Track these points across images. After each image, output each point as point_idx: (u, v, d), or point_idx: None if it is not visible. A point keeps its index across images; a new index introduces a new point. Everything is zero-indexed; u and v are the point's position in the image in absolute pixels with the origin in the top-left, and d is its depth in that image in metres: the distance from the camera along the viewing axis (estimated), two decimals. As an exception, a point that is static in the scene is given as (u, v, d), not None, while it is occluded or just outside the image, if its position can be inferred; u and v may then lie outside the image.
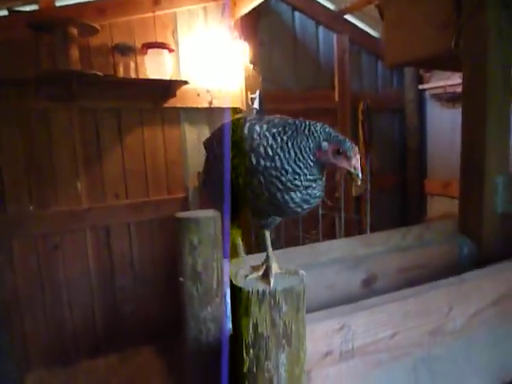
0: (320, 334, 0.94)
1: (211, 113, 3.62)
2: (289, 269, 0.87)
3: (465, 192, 1.85)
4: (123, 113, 3.19)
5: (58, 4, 2.97)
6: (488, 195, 1.76)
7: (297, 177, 0.79)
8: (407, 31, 2.03)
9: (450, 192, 4.36)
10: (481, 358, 1.18)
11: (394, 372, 1.07)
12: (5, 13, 2.89)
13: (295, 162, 0.79)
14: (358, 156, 0.81)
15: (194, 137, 3.61)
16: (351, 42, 4.30)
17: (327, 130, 0.82)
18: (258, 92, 3.65)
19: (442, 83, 4.27)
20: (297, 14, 4.06)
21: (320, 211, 3.42)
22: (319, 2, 4.10)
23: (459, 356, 1.16)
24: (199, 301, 1.21)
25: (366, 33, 4.49)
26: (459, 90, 3.97)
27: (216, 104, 3.60)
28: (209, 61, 3.51)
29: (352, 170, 0.81)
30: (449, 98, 4.30)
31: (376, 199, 4.51)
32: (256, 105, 3.63)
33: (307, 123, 0.82)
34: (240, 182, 0.82)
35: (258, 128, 0.83)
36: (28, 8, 2.95)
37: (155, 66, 3.16)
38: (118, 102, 3.13)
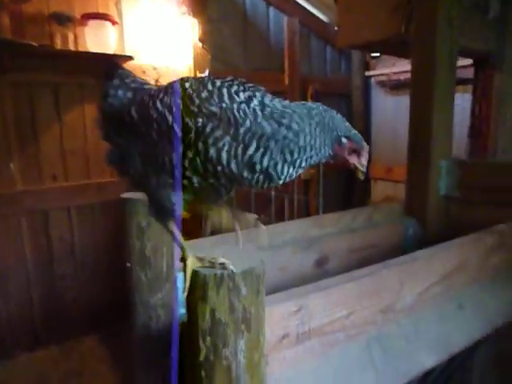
0: (277, 317, 0.92)
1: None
2: (215, 261, 0.81)
3: (411, 175, 1.91)
4: (61, 88, 2.95)
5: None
6: (432, 178, 1.84)
7: (309, 159, 0.81)
8: (359, 14, 2.03)
9: (392, 176, 4.56)
10: (429, 333, 1.23)
11: (349, 351, 1.07)
12: None
13: (318, 149, 0.80)
14: (367, 155, 0.86)
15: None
16: (301, 24, 4.28)
17: (347, 125, 0.85)
18: (207, 71, 3.53)
19: (387, 70, 4.40)
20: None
21: (273, 193, 3.42)
22: (267, -20, 4.02)
23: (409, 332, 1.19)
24: (148, 286, 1.14)
25: (316, 17, 4.49)
26: (403, 77, 4.11)
27: (163, 82, 3.42)
28: (155, 36, 3.33)
29: (360, 168, 0.87)
30: (393, 86, 4.44)
31: (323, 182, 4.60)
32: (205, 84, 3.51)
33: (332, 115, 0.83)
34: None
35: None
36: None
37: (97, 39, 2.94)
38: (56, 76, 2.88)
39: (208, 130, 0.75)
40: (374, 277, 1.10)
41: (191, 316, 0.72)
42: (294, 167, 0.80)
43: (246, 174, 0.78)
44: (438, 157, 1.81)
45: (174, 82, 0.82)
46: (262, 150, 0.77)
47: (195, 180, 0.79)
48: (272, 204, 3.62)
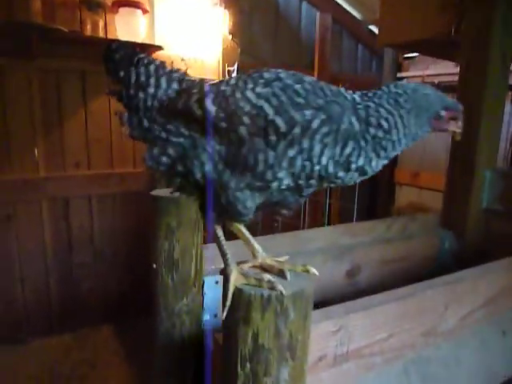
0: (315, 337, 0.84)
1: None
2: (295, 265, 0.75)
3: (451, 185, 1.80)
4: (89, 75, 2.91)
5: None
6: (475, 190, 1.72)
7: (405, 146, 0.77)
8: (404, 11, 1.92)
9: (418, 182, 4.41)
10: (470, 361, 1.14)
11: (385, 376, 0.99)
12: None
13: (414, 133, 0.77)
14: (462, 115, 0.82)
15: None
16: (333, 21, 4.15)
17: (440, 95, 0.80)
18: (236, 65, 3.45)
19: (420, 73, 4.24)
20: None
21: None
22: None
23: (449, 358, 1.10)
24: (174, 291, 1.08)
25: (349, 14, 4.36)
26: (437, 80, 3.95)
27: (191, 74, 3.34)
28: (186, 27, 3.26)
29: (458, 131, 0.83)
30: (426, 88, 4.28)
31: (345, 186, 4.49)
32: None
33: (423, 93, 0.78)
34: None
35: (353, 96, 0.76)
36: None
37: (127, 27, 2.88)
38: (84, 64, 2.84)
39: (316, 125, 0.68)
40: (418, 297, 1.01)
41: (229, 338, 0.65)
42: (387, 159, 0.77)
43: (340, 173, 0.74)
44: (483, 167, 1.70)
45: (258, 71, 0.74)
46: (357, 149, 0.72)
47: (285, 182, 0.71)
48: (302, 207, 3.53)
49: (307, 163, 0.69)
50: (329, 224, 3.96)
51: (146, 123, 0.78)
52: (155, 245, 1.08)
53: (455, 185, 1.77)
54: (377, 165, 0.76)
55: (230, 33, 3.43)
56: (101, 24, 2.80)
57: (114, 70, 0.82)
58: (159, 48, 2.95)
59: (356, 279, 1.50)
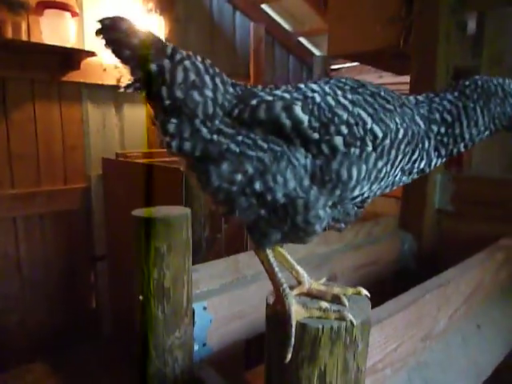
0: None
1: (118, 91, 3.16)
2: (345, 287, 0.69)
3: (407, 189, 1.89)
4: (9, 83, 2.59)
5: None
6: (429, 192, 1.82)
7: (463, 144, 0.74)
8: (353, 23, 1.99)
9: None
10: (458, 359, 1.17)
11: (395, 387, 0.97)
12: None
13: (479, 131, 0.73)
14: None
15: (98, 118, 3.13)
16: (266, 32, 4.21)
17: None
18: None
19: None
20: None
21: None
22: (241, -16, 3.91)
23: (443, 360, 1.12)
24: (165, 324, 0.96)
25: (281, 25, 4.45)
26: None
27: (125, 82, 3.14)
28: (118, 32, 3.06)
29: None
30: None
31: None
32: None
33: (497, 83, 0.73)
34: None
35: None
36: None
37: (53, 31, 2.62)
38: (3, 70, 2.53)
39: (401, 134, 0.63)
40: (419, 302, 1.01)
41: (289, 381, 0.56)
42: (448, 156, 0.75)
43: (404, 178, 0.71)
44: (434, 171, 1.80)
45: (330, 79, 0.68)
46: (421, 152, 0.69)
47: (364, 196, 0.66)
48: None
49: (387, 174, 0.65)
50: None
51: (206, 134, 0.63)
52: (141, 274, 0.95)
53: (410, 189, 1.86)
54: (436, 164, 0.74)
55: (165, 40, 3.30)
56: (24, 26, 2.51)
57: (134, 58, 0.64)
58: (92, 54, 2.72)
59: (334, 288, 1.49)
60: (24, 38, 2.53)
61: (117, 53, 0.65)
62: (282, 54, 4.60)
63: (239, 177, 0.62)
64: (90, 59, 2.80)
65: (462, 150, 0.75)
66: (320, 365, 0.54)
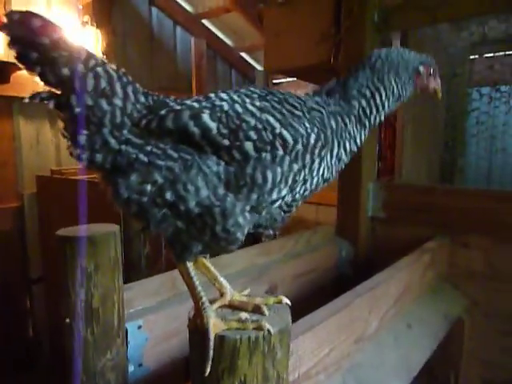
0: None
1: (54, 107, 3.03)
2: (266, 297, 0.70)
3: (343, 198, 1.97)
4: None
5: None
6: (362, 200, 1.91)
7: (385, 112, 0.81)
8: (287, 40, 2.06)
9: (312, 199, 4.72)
10: (390, 358, 1.23)
11: (330, 391, 1.00)
12: None
13: (400, 91, 0.80)
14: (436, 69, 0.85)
15: (31, 133, 2.98)
16: (208, 47, 4.25)
17: (415, 53, 0.82)
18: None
19: (290, 96, 4.60)
20: (154, 9, 3.80)
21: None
22: (177, 2, 3.92)
23: (375, 359, 1.17)
24: (95, 346, 0.92)
25: (222, 40, 4.51)
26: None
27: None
28: (51, 45, 2.95)
29: (438, 88, 0.85)
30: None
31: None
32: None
33: (397, 53, 0.79)
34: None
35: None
36: None
37: (-23, 43, 2.48)
38: None
39: (314, 138, 0.66)
40: (350, 307, 1.05)
41: None
42: (372, 126, 0.80)
43: (334, 174, 0.75)
44: (367, 180, 1.90)
45: (248, 87, 0.69)
46: (344, 140, 0.73)
47: (286, 199, 0.67)
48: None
49: (308, 177, 0.67)
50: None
51: (114, 144, 0.62)
52: (67, 295, 0.91)
53: (346, 197, 1.94)
54: (361, 138, 0.78)
55: (102, 53, 3.22)
56: None
57: (44, 61, 0.60)
58: (18, 67, 2.59)
59: (275, 298, 1.51)
60: None
61: (22, 55, 0.60)
62: (225, 68, 4.66)
63: (149, 187, 0.61)
64: (21, 72, 2.67)
65: (383, 118, 0.82)
66: (240, 375, 0.54)
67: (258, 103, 0.65)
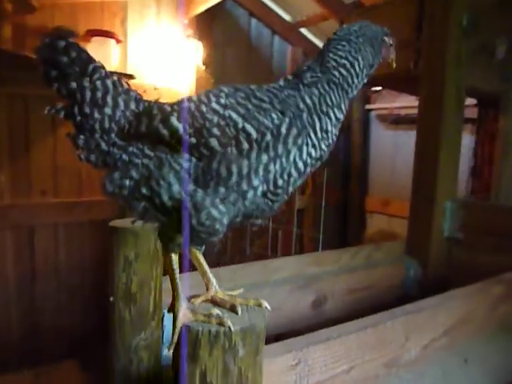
0: (273, 371, 0.82)
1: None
2: (248, 299, 0.74)
3: (414, 214, 1.85)
4: (58, 102, 2.89)
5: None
6: (436, 219, 1.77)
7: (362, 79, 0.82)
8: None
9: (388, 210, 4.50)
10: (432, 391, 1.14)
11: (348, 410, 0.97)
12: None
13: (369, 65, 0.82)
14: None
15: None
16: (305, 55, 4.30)
17: (377, 25, 0.86)
18: (208, 95, 3.50)
19: (387, 105, 4.41)
20: (253, 20, 3.99)
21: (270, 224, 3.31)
22: (276, 12, 4.06)
23: (412, 389, 1.10)
24: (131, 325, 1.04)
25: (320, 48, 4.52)
26: (404, 112, 4.12)
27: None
28: (159, 56, 3.31)
29: (393, 57, 0.89)
30: (393, 120, 4.45)
31: (317, 213, 4.53)
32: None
33: (367, 24, 0.83)
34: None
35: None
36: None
37: (99, 56, 2.83)
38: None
39: (284, 129, 0.68)
40: (378, 328, 1.01)
41: (178, 377, 0.62)
42: (354, 94, 0.81)
43: (330, 144, 0.77)
44: (443, 197, 1.75)
45: (218, 87, 0.75)
46: (329, 115, 0.75)
47: (260, 189, 0.69)
48: (269, 236, 3.53)
49: (286, 166, 0.69)
50: (302, 253, 3.97)
51: (104, 146, 0.72)
52: (112, 277, 1.04)
53: (418, 214, 1.82)
54: (345, 105, 0.79)
55: (203, 63, 3.50)
56: (72, 52, 2.81)
57: (60, 78, 0.72)
58: (131, 77, 2.96)
59: (322, 309, 1.49)
60: (73, 62, 2.82)
61: (46, 73, 0.73)
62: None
63: (127, 182, 0.70)
64: (130, 81, 3.04)
65: (360, 86, 0.82)
66: (201, 365, 0.59)
67: (223, 101, 0.70)
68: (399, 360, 1.09)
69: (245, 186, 0.68)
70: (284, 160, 0.69)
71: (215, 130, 0.67)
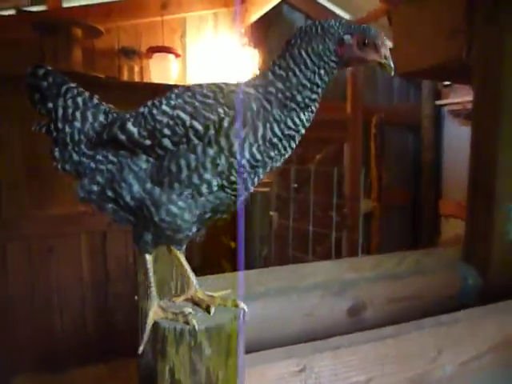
0: (273, 378, 0.80)
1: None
2: (226, 300, 0.74)
3: (472, 217, 1.68)
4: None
5: (65, 5, 2.95)
6: (498, 223, 1.59)
7: (315, 89, 0.73)
8: (416, 39, 1.89)
9: (464, 214, 4.13)
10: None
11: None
12: (12, 12, 2.88)
13: (314, 72, 0.73)
14: (388, 43, 0.76)
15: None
16: (367, 53, 4.14)
17: (344, 22, 0.76)
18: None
19: (460, 99, 4.08)
20: (310, 22, 3.95)
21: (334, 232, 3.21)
22: (334, 12, 3.98)
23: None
24: (154, 324, 1.09)
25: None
26: (479, 106, 3.77)
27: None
28: (217, 67, 3.44)
29: (383, 61, 0.76)
30: (468, 115, 4.09)
31: (384, 217, 4.32)
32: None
33: (316, 25, 0.75)
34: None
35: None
36: (35, 8, 2.94)
37: (160, 71, 3.10)
38: (120, 106, 3.06)
39: (227, 122, 0.69)
40: (400, 339, 0.93)
41: (152, 372, 0.64)
42: (306, 105, 0.73)
43: (272, 153, 0.73)
44: (506, 198, 1.56)
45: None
46: (273, 129, 0.71)
47: (214, 183, 0.71)
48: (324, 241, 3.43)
49: (232, 160, 0.69)
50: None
51: (76, 157, 0.79)
52: (136, 277, 1.10)
53: (476, 217, 1.64)
54: (296, 121, 0.73)
55: (259, 70, 3.55)
56: (136, 69, 3.04)
57: (41, 99, 0.80)
58: (189, 88, 3.11)
59: (359, 318, 1.41)
60: (137, 78, 3.05)
61: (31, 97, 0.82)
62: (386, 74, 4.44)
63: (94, 187, 0.76)
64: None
65: (313, 95, 0.73)
66: (170, 362, 0.60)
67: (172, 102, 0.72)
68: (429, 376, 0.99)
69: (196, 180, 0.69)
70: (228, 154, 0.69)
71: (166, 131, 0.70)
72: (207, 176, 0.70)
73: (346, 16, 4.06)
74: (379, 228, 4.26)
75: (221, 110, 0.70)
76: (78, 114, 0.80)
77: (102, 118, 0.81)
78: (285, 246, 3.41)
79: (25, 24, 2.78)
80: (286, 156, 0.76)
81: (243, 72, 3.46)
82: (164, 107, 0.72)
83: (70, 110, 0.80)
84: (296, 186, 3.67)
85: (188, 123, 0.69)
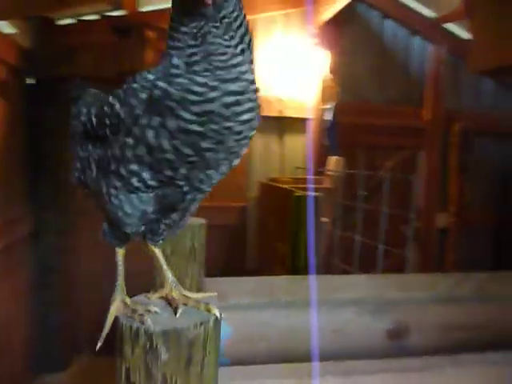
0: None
1: (281, 122, 3.47)
2: (199, 303, 0.67)
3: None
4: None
5: (141, 10, 3.12)
6: None
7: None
8: (498, 32, 1.64)
9: None
10: None
11: None
12: (96, 17, 3.12)
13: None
14: None
15: (261, 146, 3.50)
16: (450, 54, 3.79)
17: None
18: (331, 104, 3.40)
19: None
20: (388, 21, 3.72)
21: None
22: (414, 10, 3.70)
23: None
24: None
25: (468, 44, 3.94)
26: None
27: (287, 114, 3.43)
28: (285, 68, 3.38)
29: None
30: None
31: (463, 236, 3.90)
32: (329, 116, 3.38)
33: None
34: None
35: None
36: (116, 13, 3.15)
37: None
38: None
39: (140, 110, 0.63)
40: (428, 373, 0.78)
41: (115, 369, 0.59)
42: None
43: (205, 145, 0.59)
44: None
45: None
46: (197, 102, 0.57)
47: (145, 175, 0.65)
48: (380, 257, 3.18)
49: (158, 153, 0.61)
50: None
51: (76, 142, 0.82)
52: (154, 270, 1.08)
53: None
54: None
55: (330, 72, 3.41)
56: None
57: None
58: (256, 90, 3.09)
59: (402, 343, 1.24)
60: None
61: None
62: (472, 76, 4.01)
63: (76, 174, 0.78)
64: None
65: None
66: (126, 362, 0.55)
67: (117, 92, 0.68)
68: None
69: (123, 171, 0.65)
70: (144, 143, 0.61)
71: (107, 121, 0.68)
72: (133, 167, 0.64)
73: (427, 14, 3.76)
74: (455, 246, 3.85)
75: (143, 96, 0.62)
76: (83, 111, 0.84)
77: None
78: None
79: (106, 28, 2.99)
80: (237, 149, 0.63)
81: (312, 73, 3.36)
82: (110, 98, 0.69)
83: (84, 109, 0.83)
84: (366, 193, 3.44)
85: (121, 115, 0.65)
